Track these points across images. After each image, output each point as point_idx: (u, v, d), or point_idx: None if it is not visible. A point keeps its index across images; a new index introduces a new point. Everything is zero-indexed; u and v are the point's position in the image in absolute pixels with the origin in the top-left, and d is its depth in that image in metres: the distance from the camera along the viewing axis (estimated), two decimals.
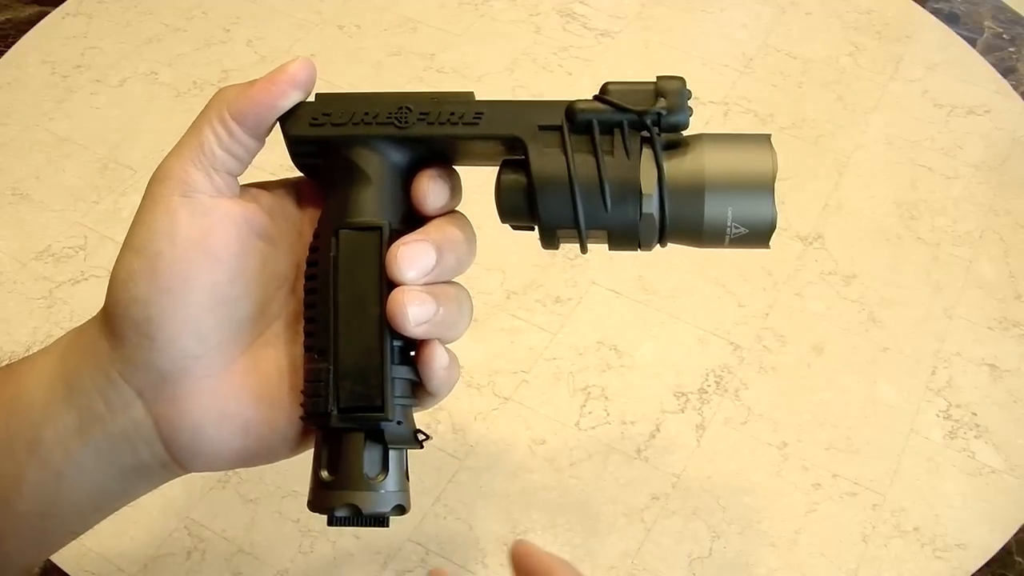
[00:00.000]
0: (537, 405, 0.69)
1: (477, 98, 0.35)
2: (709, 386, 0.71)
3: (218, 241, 0.34)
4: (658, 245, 0.35)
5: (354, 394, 0.34)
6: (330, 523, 0.34)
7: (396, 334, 0.34)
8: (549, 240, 0.35)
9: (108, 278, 0.34)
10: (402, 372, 0.35)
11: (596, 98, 0.34)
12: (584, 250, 0.35)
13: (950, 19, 1.04)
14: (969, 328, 0.75)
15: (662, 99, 0.33)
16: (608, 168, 0.33)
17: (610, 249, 0.35)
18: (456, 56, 0.97)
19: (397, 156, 0.35)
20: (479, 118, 0.34)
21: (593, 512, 0.64)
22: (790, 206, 0.83)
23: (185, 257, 0.33)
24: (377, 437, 0.34)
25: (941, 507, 0.65)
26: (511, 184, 0.35)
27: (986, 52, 1.01)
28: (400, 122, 0.35)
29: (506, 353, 0.72)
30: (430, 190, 0.36)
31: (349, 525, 0.34)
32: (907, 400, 0.71)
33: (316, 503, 0.35)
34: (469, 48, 0.98)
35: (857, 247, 0.81)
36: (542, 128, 0.34)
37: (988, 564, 0.62)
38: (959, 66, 0.99)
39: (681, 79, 0.34)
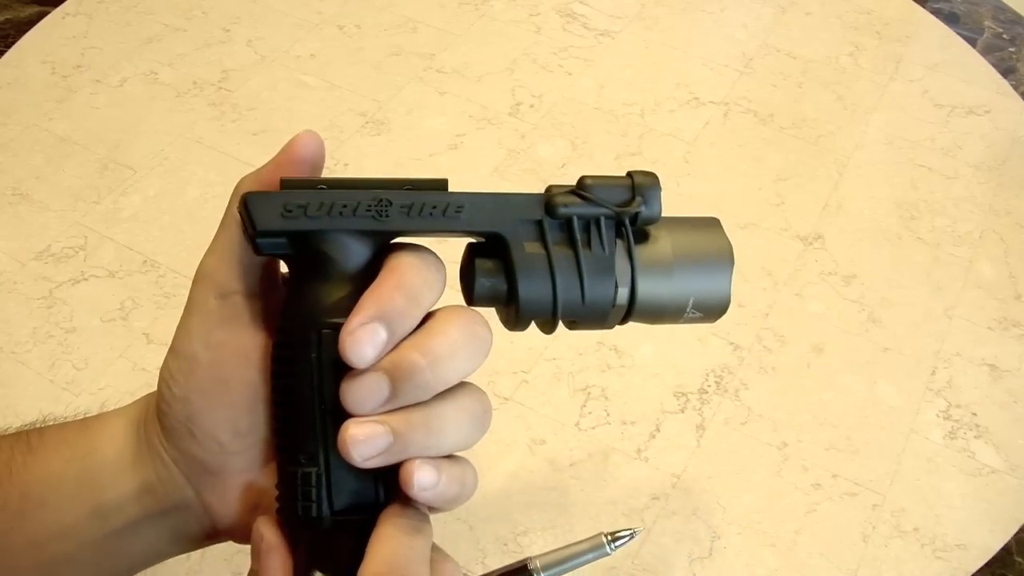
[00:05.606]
0: (537, 405, 0.69)
1: (450, 185, 0.35)
2: (709, 386, 0.71)
3: (252, 342, 0.34)
4: (618, 325, 0.37)
5: (348, 497, 0.34)
6: None
7: None
8: (518, 325, 0.36)
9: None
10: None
11: (573, 192, 0.35)
12: (550, 332, 0.36)
13: (950, 19, 1.05)
14: (969, 328, 0.75)
15: (639, 197, 0.34)
16: (587, 264, 0.34)
17: (570, 329, 0.36)
18: (456, 56, 0.97)
19: (374, 248, 0.34)
20: (460, 212, 0.34)
21: (593, 512, 0.64)
22: (790, 206, 0.83)
23: (220, 359, 0.34)
24: (367, 528, 0.35)
25: (941, 507, 0.65)
26: (488, 273, 0.35)
27: (986, 52, 1.01)
28: (379, 215, 0.34)
29: (506, 353, 0.72)
30: None
31: None
32: (907, 400, 0.71)
33: None
34: (469, 48, 0.98)
35: (857, 247, 0.81)
36: (522, 221, 0.35)
37: (988, 564, 0.62)
38: (959, 66, 0.99)
39: (654, 175, 0.35)
